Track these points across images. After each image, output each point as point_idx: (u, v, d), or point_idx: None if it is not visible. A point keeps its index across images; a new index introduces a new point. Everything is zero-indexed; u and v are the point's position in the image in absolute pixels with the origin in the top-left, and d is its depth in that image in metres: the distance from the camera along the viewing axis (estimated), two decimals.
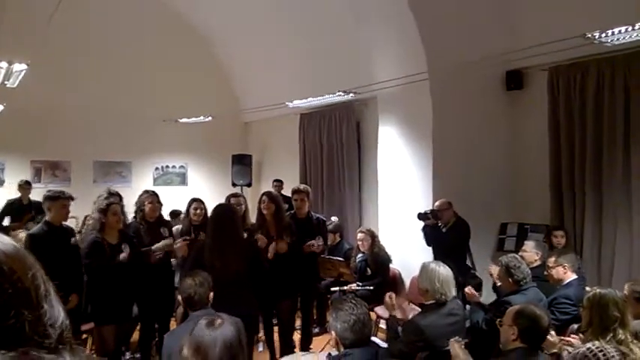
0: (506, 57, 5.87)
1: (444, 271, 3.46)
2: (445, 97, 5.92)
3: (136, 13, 8.82)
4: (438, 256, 4.93)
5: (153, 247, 4.66)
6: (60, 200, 4.40)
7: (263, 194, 5.12)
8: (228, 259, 4.04)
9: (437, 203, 5.51)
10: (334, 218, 7.11)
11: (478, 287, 5.03)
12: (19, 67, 5.83)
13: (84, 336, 4.81)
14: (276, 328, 5.17)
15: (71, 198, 4.50)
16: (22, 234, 5.00)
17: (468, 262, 5.45)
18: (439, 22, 5.74)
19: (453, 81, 5.89)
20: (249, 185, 9.47)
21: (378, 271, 5.84)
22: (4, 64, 5.68)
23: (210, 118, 9.41)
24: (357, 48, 6.75)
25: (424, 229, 5.52)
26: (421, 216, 5.44)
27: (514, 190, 6.26)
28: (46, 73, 7.88)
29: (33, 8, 6.81)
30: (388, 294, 3.78)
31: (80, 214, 5.68)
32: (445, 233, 5.41)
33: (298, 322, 5.35)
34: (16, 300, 0.79)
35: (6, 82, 6.46)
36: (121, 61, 8.88)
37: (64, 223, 4.54)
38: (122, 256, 4.34)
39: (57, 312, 0.85)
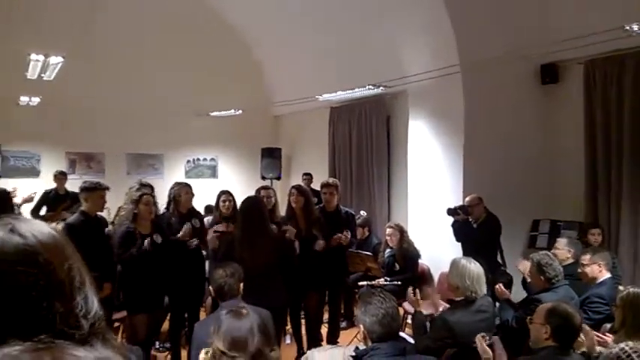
0: (541, 50, 5.75)
1: (475, 267, 3.43)
2: (477, 91, 5.85)
3: (169, 8, 8.90)
4: (467, 252, 4.88)
5: (178, 235, 4.71)
6: (97, 191, 4.52)
7: (292, 187, 5.14)
8: (257, 251, 4.07)
9: (467, 199, 5.45)
10: (363, 212, 7.09)
11: (508, 284, 4.97)
12: (55, 60, 5.97)
13: (116, 324, 4.91)
14: (303, 321, 5.20)
15: (107, 188, 4.62)
16: (59, 226, 5.12)
17: (499, 259, 5.39)
18: (472, 14, 5.65)
19: (485, 74, 5.80)
20: (278, 178, 9.51)
21: (406, 266, 5.81)
22: (41, 57, 5.82)
23: (240, 111, 9.47)
24: (388, 41, 6.70)
25: (454, 224, 5.46)
26: (450, 211, 5.39)
27: (547, 186, 6.14)
28: (82, 66, 8.02)
29: (70, 3, 6.97)
30: (410, 289, 3.76)
31: (113, 205, 5.76)
32: (476, 229, 5.35)
33: (326, 316, 5.37)
34: (50, 292, 0.79)
35: (42, 75, 6.62)
36: (154, 55, 8.98)
37: (98, 213, 4.65)
38: (145, 242, 4.37)
39: (91, 303, 0.85)
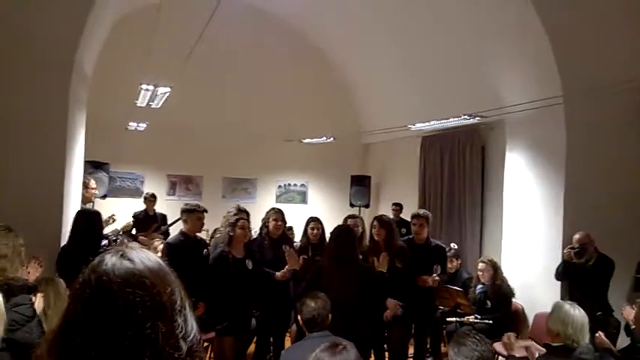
0: None
1: (579, 314, 3.19)
2: (581, 123, 5.55)
3: (266, 39, 9.30)
4: (575, 294, 4.57)
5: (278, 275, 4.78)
6: (195, 213, 4.74)
7: (374, 219, 5.07)
8: (345, 281, 4.06)
9: (577, 236, 5.06)
10: (453, 245, 6.90)
11: (617, 330, 4.64)
12: (163, 90, 6.38)
13: (205, 344, 5.05)
14: (387, 355, 5.10)
15: (205, 211, 4.83)
16: (158, 243, 5.38)
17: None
18: (575, 43, 5.40)
19: (589, 105, 5.49)
20: (367, 206, 9.50)
21: (498, 304, 5.56)
22: (151, 87, 6.25)
23: (332, 139, 9.60)
24: (485, 69, 6.56)
25: (566, 264, 5.12)
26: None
27: None
28: (185, 96, 8.47)
29: (176, 40, 7.49)
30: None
31: (210, 227, 6.00)
32: (589, 270, 4.96)
33: (411, 351, 5.23)
34: (153, 312, 0.87)
35: (151, 103, 7.10)
36: (252, 84, 9.39)
37: (197, 234, 4.86)
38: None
39: (190, 327, 0.93)
